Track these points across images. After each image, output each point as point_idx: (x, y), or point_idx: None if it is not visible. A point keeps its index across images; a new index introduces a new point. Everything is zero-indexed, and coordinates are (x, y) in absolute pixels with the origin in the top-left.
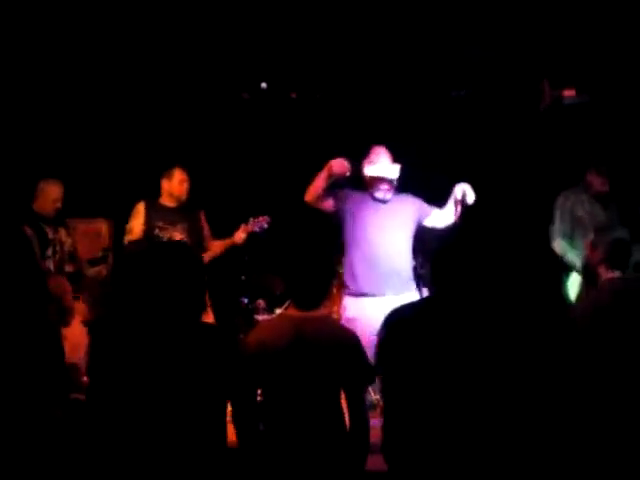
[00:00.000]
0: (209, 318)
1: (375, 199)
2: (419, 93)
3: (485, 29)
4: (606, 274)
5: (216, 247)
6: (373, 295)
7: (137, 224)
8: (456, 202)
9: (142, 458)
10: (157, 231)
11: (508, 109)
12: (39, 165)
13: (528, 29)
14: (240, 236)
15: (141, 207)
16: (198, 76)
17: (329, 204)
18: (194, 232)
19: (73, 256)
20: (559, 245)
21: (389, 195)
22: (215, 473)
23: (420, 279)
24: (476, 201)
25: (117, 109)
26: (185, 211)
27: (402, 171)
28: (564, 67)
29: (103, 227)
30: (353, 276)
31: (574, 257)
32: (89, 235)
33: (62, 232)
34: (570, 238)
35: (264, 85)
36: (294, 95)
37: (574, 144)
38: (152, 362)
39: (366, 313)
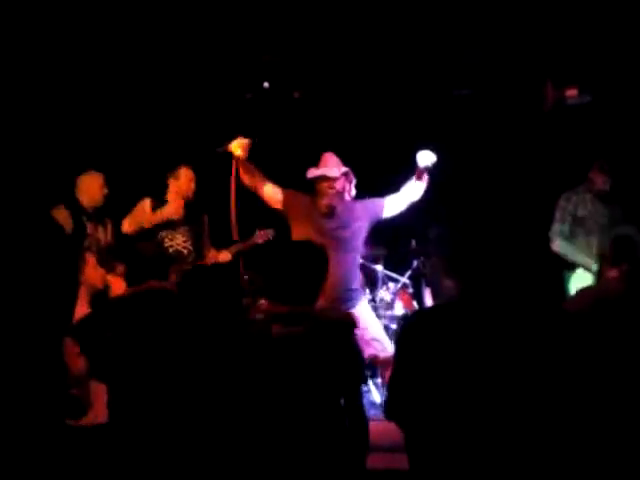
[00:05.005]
0: None
1: (324, 212)
2: (421, 92)
3: (487, 28)
4: (607, 272)
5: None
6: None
7: (135, 219)
8: (421, 172)
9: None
10: (162, 232)
11: (511, 109)
12: (44, 168)
13: (530, 29)
14: (226, 256)
15: (147, 206)
16: (201, 76)
17: (270, 196)
18: (196, 236)
19: (103, 252)
20: (558, 245)
21: (335, 199)
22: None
23: (422, 278)
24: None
25: (121, 110)
26: (189, 212)
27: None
28: (567, 67)
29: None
30: None
31: (576, 254)
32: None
33: (100, 229)
34: (570, 238)
35: (266, 85)
36: (297, 94)
37: (577, 144)
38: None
39: None
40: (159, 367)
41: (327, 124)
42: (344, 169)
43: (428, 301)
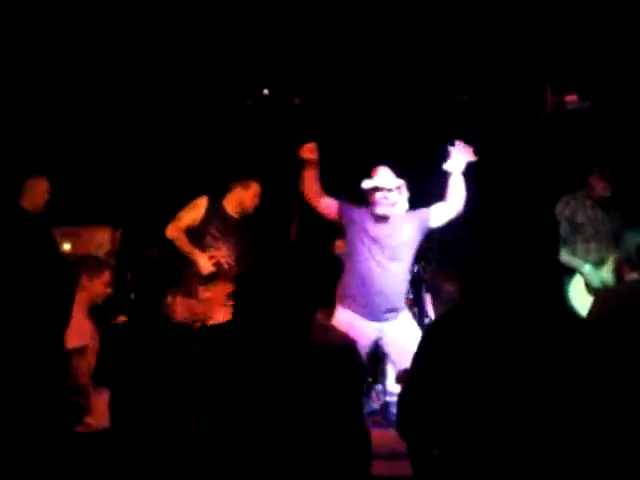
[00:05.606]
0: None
1: (376, 220)
2: (421, 98)
3: (487, 34)
4: (627, 275)
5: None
6: (362, 316)
7: (188, 218)
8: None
9: None
10: (209, 239)
11: (510, 115)
12: (43, 174)
13: (530, 34)
14: None
15: (203, 203)
16: (201, 83)
17: (326, 208)
18: (239, 250)
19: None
20: None
21: (390, 209)
22: None
23: (423, 283)
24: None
25: (121, 117)
26: (242, 225)
27: (408, 184)
28: (566, 73)
29: (106, 234)
30: (345, 293)
31: (568, 257)
32: (93, 242)
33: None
34: (567, 242)
35: (266, 91)
36: (297, 101)
37: (577, 149)
38: None
39: (354, 328)
40: (161, 374)
41: (327, 130)
42: (398, 181)
43: (429, 306)
